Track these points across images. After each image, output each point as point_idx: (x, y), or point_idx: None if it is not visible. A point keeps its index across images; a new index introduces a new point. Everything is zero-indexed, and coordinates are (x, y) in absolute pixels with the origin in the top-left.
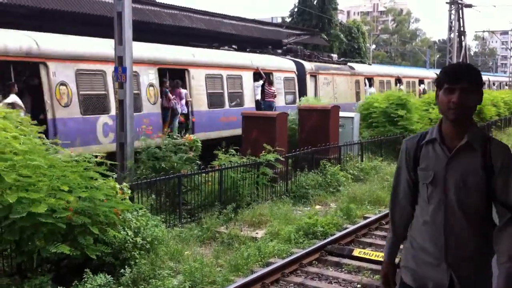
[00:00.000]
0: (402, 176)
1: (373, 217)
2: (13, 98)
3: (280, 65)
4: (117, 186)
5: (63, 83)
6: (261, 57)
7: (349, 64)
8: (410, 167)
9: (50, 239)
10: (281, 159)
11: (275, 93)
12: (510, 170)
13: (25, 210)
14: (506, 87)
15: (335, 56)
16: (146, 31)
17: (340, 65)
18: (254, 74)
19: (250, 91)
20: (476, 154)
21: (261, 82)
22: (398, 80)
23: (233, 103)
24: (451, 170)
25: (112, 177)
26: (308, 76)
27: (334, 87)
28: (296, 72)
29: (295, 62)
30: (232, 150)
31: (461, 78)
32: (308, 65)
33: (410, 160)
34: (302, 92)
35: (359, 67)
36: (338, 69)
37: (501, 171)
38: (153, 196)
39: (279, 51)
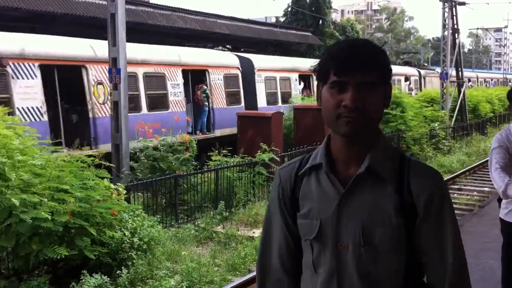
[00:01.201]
0: (275, 228)
1: None
2: None
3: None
4: (112, 186)
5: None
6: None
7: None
8: (287, 213)
9: (47, 241)
10: (276, 158)
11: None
12: (443, 211)
13: (30, 215)
14: (489, 84)
15: None
16: (140, 32)
17: None
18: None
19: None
20: (386, 187)
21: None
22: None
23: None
24: (346, 216)
25: (108, 178)
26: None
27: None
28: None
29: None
30: (224, 151)
31: (358, 65)
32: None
33: (285, 201)
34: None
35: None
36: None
37: (429, 213)
38: (149, 196)
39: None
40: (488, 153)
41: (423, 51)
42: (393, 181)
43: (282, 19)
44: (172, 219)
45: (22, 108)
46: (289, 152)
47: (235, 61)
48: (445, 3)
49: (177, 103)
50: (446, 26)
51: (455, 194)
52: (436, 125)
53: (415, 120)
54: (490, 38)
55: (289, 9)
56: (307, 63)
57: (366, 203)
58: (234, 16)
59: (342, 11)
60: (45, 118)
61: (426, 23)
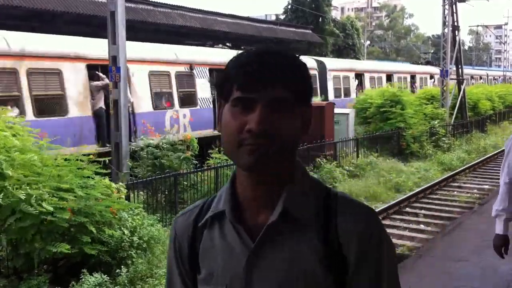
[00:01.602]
0: None
1: None
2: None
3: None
4: (113, 185)
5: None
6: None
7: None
8: (186, 275)
9: (48, 239)
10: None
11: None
12: (380, 262)
13: (35, 208)
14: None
15: None
16: (140, 30)
17: None
18: None
19: None
20: (307, 235)
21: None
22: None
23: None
24: (258, 278)
25: (108, 176)
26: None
27: None
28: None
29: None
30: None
31: (270, 78)
32: None
33: (183, 261)
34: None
35: None
36: None
37: (362, 265)
38: (150, 195)
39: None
40: (488, 150)
41: (423, 48)
42: (316, 227)
43: (282, 17)
44: (172, 217)
45: (201, 98)
46: None
47: (314, 64)
48: (445, 0)
49: None
50: (446, 24)
51: (455, 192)
52: (436, 122)
53: (415, 117)
54: (490, 35)
55: (289, 6)
56: (361, 64)
57: (282, 258)
58: (234, 14)
59: (342, 9)
60: (211, 106)
61: (426, 20)
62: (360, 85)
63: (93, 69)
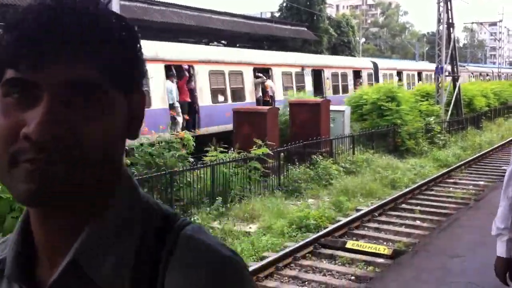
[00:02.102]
0: None
1: (365, 210)
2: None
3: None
4: None
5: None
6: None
7: None
8: None
9: None
10: (271, 153)
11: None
12: None
13: None
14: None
15: None
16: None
17: None
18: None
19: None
20: None
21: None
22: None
23: None
24: None
25: None
26: None
27: None
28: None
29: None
30: (220, 148)
31: (61, 48)
32: None
33: None
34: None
35: None
36: None
37: None
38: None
39: None
40: (483, 147)
41: (418, 45)
42: (128, 284)
43: (277, 14)
44: None
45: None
46: (285, 148)
47: (370, 64)
48: None
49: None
50: (441, 21)
51: (451, 188)
52: (431, 119)
53: (410, 114)
54: (485, 32)
55: (284, 4)
56: (400, 63)
57: None
58: (229, 12)
59: (337, 6)
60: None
61: (421, 17)
62: (400, 81)
63: (169, 69)
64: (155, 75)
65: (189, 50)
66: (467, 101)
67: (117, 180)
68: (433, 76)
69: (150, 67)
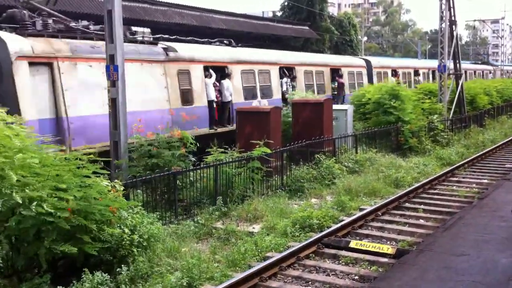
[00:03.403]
0: None
1: (368, 209)
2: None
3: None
4: (105, 182)
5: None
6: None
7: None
8: None
9: (49, 239)
10: (272, 152)
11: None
12: None
13: (34, 209)
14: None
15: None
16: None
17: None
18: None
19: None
20: None
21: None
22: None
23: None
24: None
25: (104, 175)
26: None
27: None
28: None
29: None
30: (220, 149)
31: None
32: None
33: None
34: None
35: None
36: None
37: None
38: (149, 193)
39: None
40: (486, 145)
41: (420, 43)
42: None
43: (279, 14)
44: (172, 215)
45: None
46: (287, 147)
47: (363, 63)
48: None
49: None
50: (444, 18)
51: (455, 187)
52: (434, 117)
53: (413, 113)
54: (487, 30)
55: (286, 3)
56: (395, 61)
57: None
58: (231, 11)
59: (339, 5)
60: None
61: (423, 15)
62: (396, 75)
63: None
64: (197, 74)
65: (223, 51)
66: (470, 99)
67: None
68: (430, 75)
69: (193, 67)
